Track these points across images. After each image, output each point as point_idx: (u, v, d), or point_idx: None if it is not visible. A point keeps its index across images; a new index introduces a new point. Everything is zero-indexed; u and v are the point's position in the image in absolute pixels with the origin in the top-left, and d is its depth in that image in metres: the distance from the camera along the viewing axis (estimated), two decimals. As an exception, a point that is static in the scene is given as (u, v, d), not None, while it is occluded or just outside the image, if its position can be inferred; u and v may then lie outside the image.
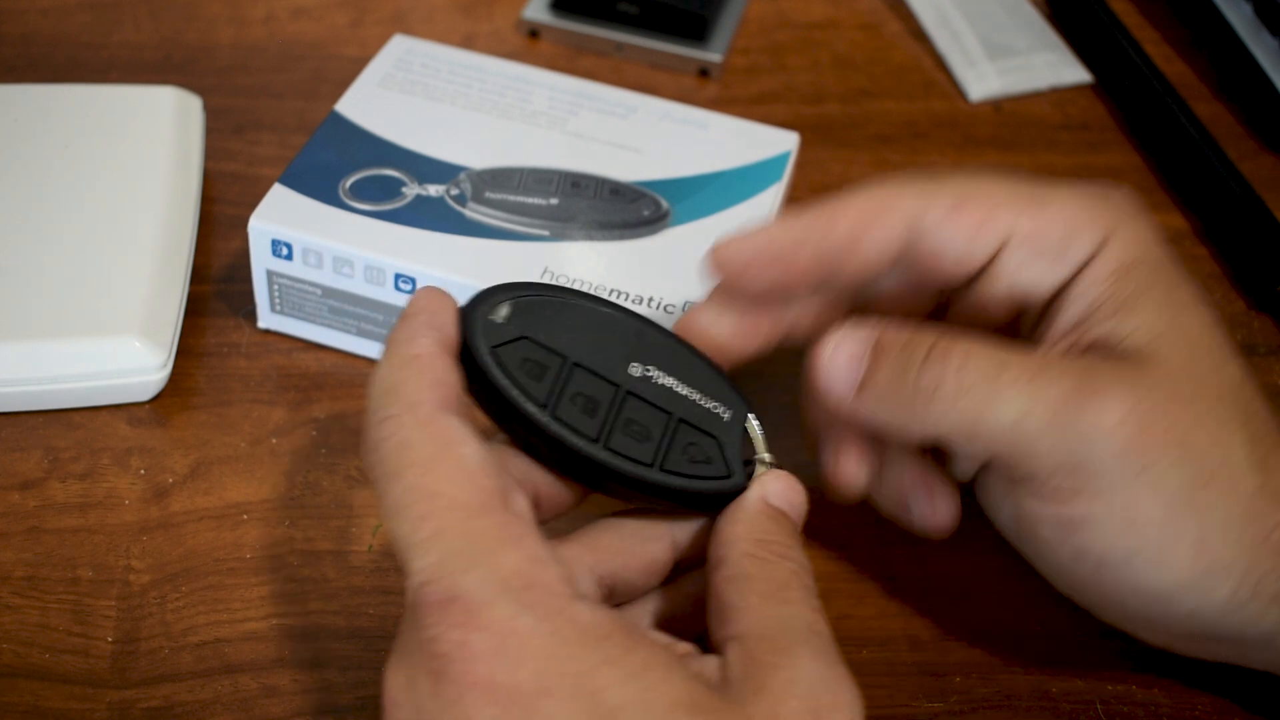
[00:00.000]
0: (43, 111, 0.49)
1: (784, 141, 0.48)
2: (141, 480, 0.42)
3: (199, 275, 0.48)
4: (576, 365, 0.33)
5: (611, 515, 0.35)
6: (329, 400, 0.45)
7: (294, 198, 0.44)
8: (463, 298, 0.34)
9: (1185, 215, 0.55)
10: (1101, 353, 0.34)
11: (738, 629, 0.30)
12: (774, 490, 0.34)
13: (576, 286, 0.42)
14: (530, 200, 0.45)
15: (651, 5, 0.59)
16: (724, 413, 0.34)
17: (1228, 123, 0.59)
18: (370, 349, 0.46)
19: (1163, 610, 0.34)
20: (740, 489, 0.33)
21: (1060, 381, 0.33)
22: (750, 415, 0.35)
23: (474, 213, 0.44)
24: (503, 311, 0.33)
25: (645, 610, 0.35)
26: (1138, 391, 0.32)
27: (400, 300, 0.44)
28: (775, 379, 0.47)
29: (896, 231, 0.35)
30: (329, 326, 0.46)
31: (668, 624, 0.35)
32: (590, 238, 0.44)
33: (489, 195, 0.45)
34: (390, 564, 0.41)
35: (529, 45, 0.60)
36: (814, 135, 0.55)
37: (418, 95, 0.49)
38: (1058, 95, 0.60)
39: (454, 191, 0.45)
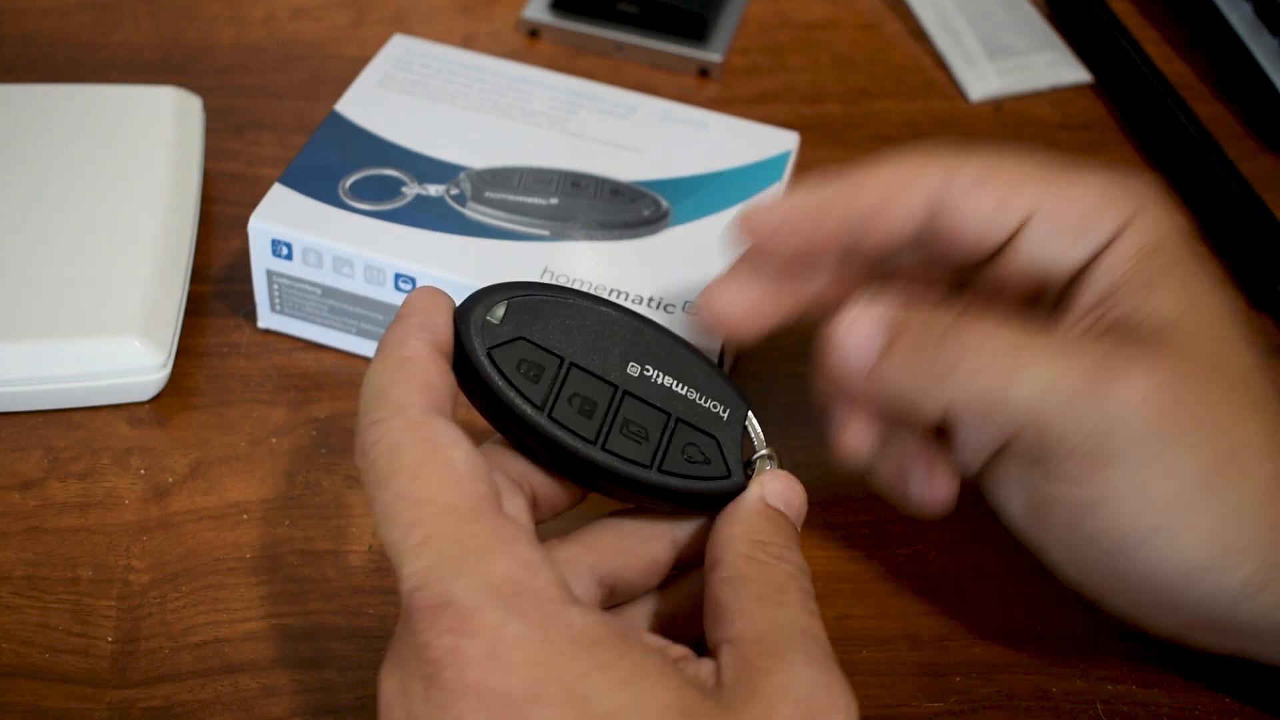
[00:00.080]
0: (43, 111, 0.49)
1: (784, 141, 0.48)
2: (141, 480, 0.42)
3: (199, 275, 0.48)
4: (574, 366, 0.33)
5: (612, 515, 0.34)
6: (329, 400, 0.45)
7: (294, 198, 0.44)
8: (462, 298, 0.34)
9: (1185, 215, 0.55)
10: (1122, 333, 0.34)
11: (732, 632, 0.30)
12: (772, 490, 0.34)
13: (576, 286, 0.42)
14: (530, 200, 0.45)
15: (651, 5, 0.59)
16: (723, 412, 0.34)
17: (1228, 123, 0.59)
18: (370, 349, 0.46)
19: (1176, 596, 0.33)
20: (739, 489, 0.33)
21: (1085, 357, 0.32)
22: (749, 413, 0.35)
23: (474, 212, 0.44)
24: (498, 312, 0.33)
25: (645, 610, 0.35)
26: (1162, 370, 0.32)
27: (400, 300, 0.44)
28: (775, 379, 0.47)
29: (920, 203, 0.35)
30: (329, 326, 0.46)
31: (669, 623, 0.35)
32: (590, 238, 0.44)
33: (489, 195, 0.45)
34: (390, 564, 0.40)
35: (529, 45, 0.60)
36: (814, 135, 0.55)
37: (418, 95, 0.49)
38: (1058, 95, 0.60)
39: (454, 191, 0.45)
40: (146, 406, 0.44)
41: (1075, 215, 0.35)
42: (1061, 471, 0.33)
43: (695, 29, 0.59)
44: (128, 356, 0.43)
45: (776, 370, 0.47)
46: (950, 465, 0.37)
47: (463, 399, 0.33)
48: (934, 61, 0.61)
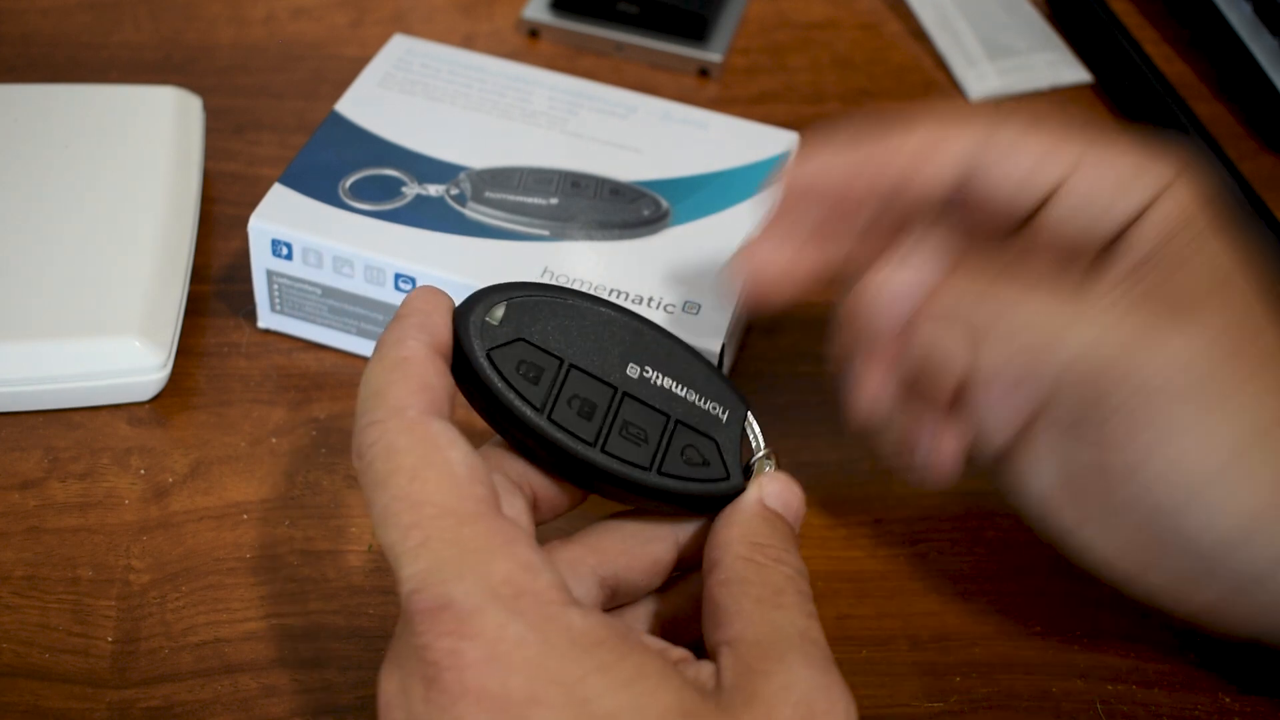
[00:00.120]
0: (43, 111, 0.49)
1: (784, 141, 0.48)
2: (141, 480, 0.42)
3: (199, 275, 0.48)
4: (573, 367, 0.33)
5: (613, 516, 0.34)
6: (329, 400, 0.45)
7: (294, 198, 0.44)
8: (462, 298, 0.34)
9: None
10: (1157, 301, 0.33)
11: (731, 634, 0.30)
12: (771, 492, 0.33)
13: (576, 286, 0.42)
14: (530, 200, 0.45)
15: (651, 5, 0.59)
16: (722, 413, 0.34)
17: (1228, 123, 0.59)
18: (370, 349, 0.46)
19: (1212, 566, 0.33)
20: (738, 491, 0.33)
21: (1132, 315, 0.32)
22: (749, 415, 0.35)
23: (474, 212, 0.44)
24: (498, 313, 0.33)
25: (646, 611, 0.35)
26: (1208, 333, 0.32)
27: (400, 300, 0.44)
28: (775, 379, 0.47)
29: (955, 162, 0.35)
30: (329, 326, 0.46)
31: (669, 625, 0.35)
32: (590, 238, 0.44)
33: (489, 195, 0.45)
34: (389, 564, 0.40)
35: (529, 45, 0.60)
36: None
37: (418, 95, 0.49)
38: (1058, 95, 0.60)
39: (454, 191, 0.45)
40: (146, 406, 0.44)
41: (1111, 181, 0.34)
42: (1101, 434, 0.32)
43: (695, 29, 0.59)
44: (128, 356, 0.43)
45: (776, 370, 0.47)
46: (961, 435, 0.36)
47: (461, 400, 0.33)
48: (934, 61, 0.61)
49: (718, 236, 0.45)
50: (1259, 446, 0.32)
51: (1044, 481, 0.35)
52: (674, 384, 0.34)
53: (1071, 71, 0.61)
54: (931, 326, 0.34)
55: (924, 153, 0.35)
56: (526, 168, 0.46)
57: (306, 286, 0.45)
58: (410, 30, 0.56)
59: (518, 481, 0.33)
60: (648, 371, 0.34)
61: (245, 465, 0.43)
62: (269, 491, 0.42)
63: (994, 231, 0.36)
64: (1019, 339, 0.33)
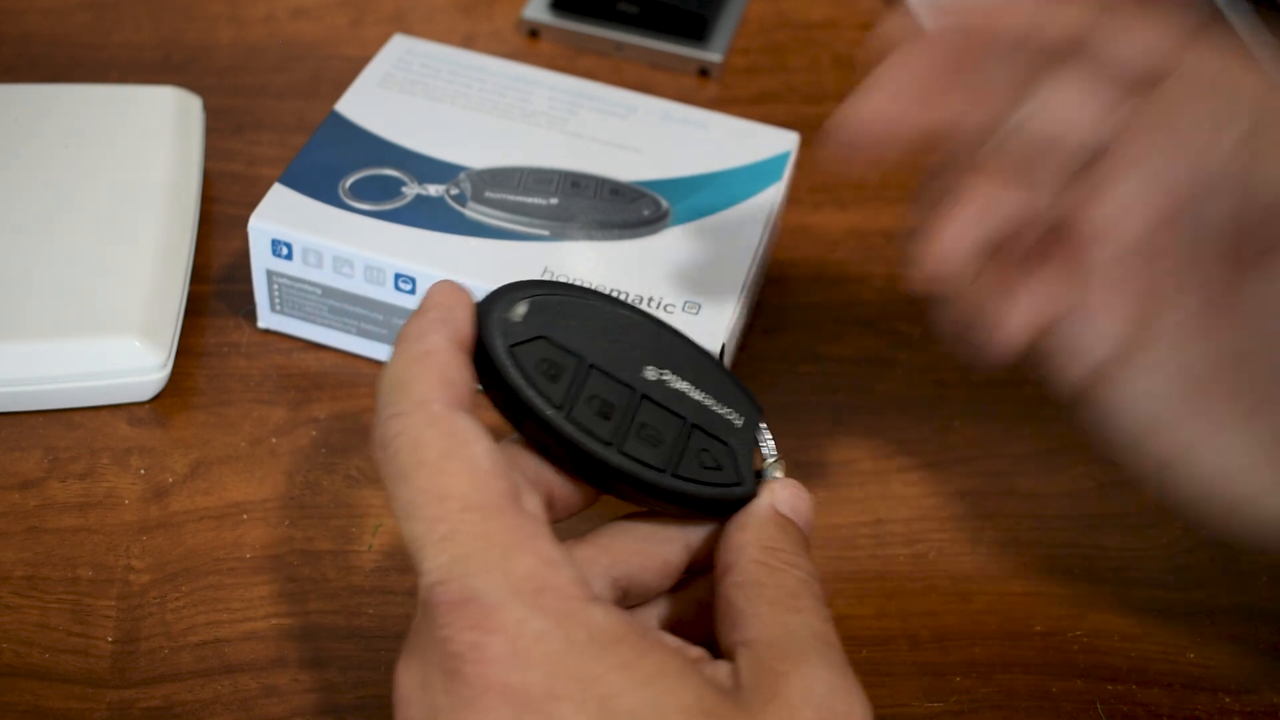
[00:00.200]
0: (43, 111, 0.49)
1: (784, 141, 0.48)
2: (141, 480, 0.42)
3: (199, 275, 0.48)
4: (593, 367, 0.33)
5: (625, 518, 0.35)
6: (329, 400, 0.45)
7: (294, 198, 0.44)
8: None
9: None
10: None
11: (748, 635, 0.30)
12: (782, 498, 0.34)
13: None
14: (530, 200, 0.45)
15: (651, 5, 0.59)
16: (736, 419, 0.34)
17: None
18: (370, 349, 0.46)
19: None
20: (750, 496, 0.33)
21: None
22: (762, 423, 0.35)
23: (474, 212, 0.44)
24: (520, 310, 0.33)
25: (651, 614, 0.35)
26: None
27: (400, 300, 0.44)
28: (776, 378, 0.47)
29: (1074, 25, 0.33)
30: (329, 326, 0.46)
31: (672, 629, 0.35)
32: (590, 237, 0.44)
33: (489, 195, 0.45)
34: (390, 564, 0.41)
35: (529, 45, 0.60)
36: (814, 135, 0.55)
37: (418, 95, 0.49)
38: (1058, 95, 0.60)
39: (454, 191, 0.45)
40: (146, 406, 0.44)
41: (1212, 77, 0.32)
42: None
43: (695, 29, 0.59)
44: (128, 356, 0.43)
45: (776, 370, 0.47)
46: (1042, 302, 0.34)
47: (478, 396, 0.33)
48: (934, 61, 0.61)
49: (718, 236, 0.45)
50: None
51: (1167, 382, 0.32)
52: (691, 388, 0.34)
53: (1071, 71, 0.61)
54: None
55: (1044, 13, 0.33)
56: (526, 168, 0.46)
57: (306, 286, 0.45)
58: (410, 30, 0.56)
59: (533, 479, 0.33)
60: (665, 374, 0.34)
61: (245, 465, 0.43)
62: (269, 491, 0.42)
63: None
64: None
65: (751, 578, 0.31)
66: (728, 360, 0.43)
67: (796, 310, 0.49)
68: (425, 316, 0.32)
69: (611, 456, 0.32)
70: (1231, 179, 0.31)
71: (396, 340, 0.31)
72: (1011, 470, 0.45)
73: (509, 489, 0.30)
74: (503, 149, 0.47)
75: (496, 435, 0.30)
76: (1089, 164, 0.33)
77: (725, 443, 0.34)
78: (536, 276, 0.43)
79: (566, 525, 0.33)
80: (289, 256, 0.44)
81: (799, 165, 0.49)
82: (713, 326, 0.42)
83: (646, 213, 0.45)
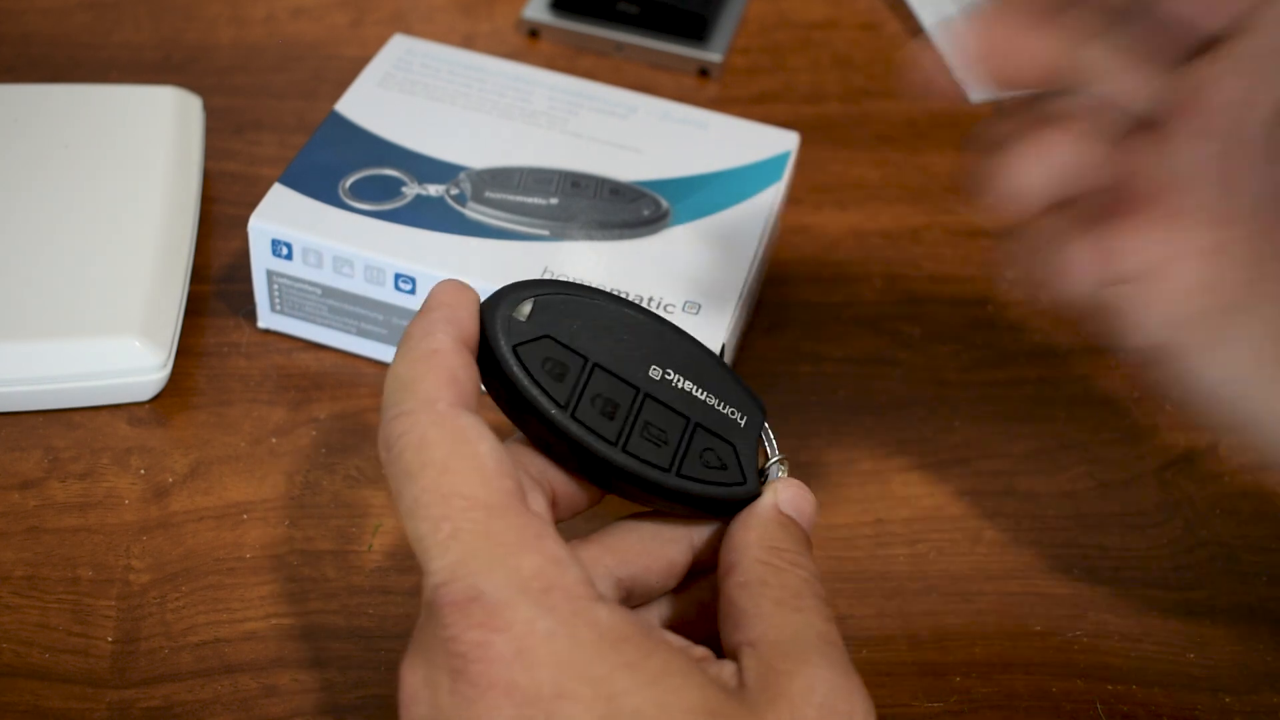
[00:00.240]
0: (43, 111, 0.49)
1: (784, 141, 0.48)
2: (141, 480, 0.42)
3: (199, 275, 0.48)
4: (597, 366, 0.33)
5: (630, 517, 0.35)
6: (329, 400, 0.45)
7: (294, 197, 0.44)
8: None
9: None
10: None
11: (752, 635, 0.30)
12: (786, 498, 0.34)
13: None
14: (530, 200, 0.45)
15: (651, 5, 0.59)
16: (740, 418, 0.34)
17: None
18: (370, 349, 0.46)
19: None
20: (753, 495, 0.33)
21: None
22: (765, 423, 0.35)
23: (474, 212, 0.44)
24: (525, 309, 0.33)
25: (655, 614, 0.35)
26: None
27: (400, 300, 0.44)
28: (776, 378, 0.47)
29: None
30: (329, 326, 0.46)
31: (676, 628, 0.35)
32: (590, 237, 0.44)
33: (489, 195, 0.45)
34: (390, 564, 0.41)
35: (529, 45, 0.60)
36: (814, 135, 0.55)
37: (418, 95, 0.49)
38: (1058, 95, 0.60)
39: (454, 191, 0.45)
40: (146, 406, 0.44)
41: None
42: None
43: (695, 29, 0.59)
44: (128, 356, 0.43)
45: (776, 370, 0.47)
46: (1109, 255, 0.32)
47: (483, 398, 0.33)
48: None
49: (718, 236, 0.45)
50: None
51: (1258, 343, 0.31)
52: (694, 387, 0.34)
53: (1071, 71, 0.61)
54: None
55: None
56: (526, 168, 0.46)
57: (306, 286, 0.45)
58: (410, 30, 0.56)
59: (538, 478, 0.33)
60: (669, 374, 0.34)
61: (245, 465, 0.43)
62: (269, 491, 0.42)
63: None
64: None
65: (755, 577, 0.31)
66: (728, 360, 0.43)
67: (796, 310, 0.49)
68: (430, 315, 0.32)
69: (615, 455, 0.32)
70: None
71: (401, 339, 0.31)
72: (1011, 470, 0.45)
73: (514, 488, 0.30)
74: (503, 149, 0.47)
75: (501, 434, 0.30)
76: (1159, 122, 0.31)
77: (729, 442, 0.34)
78: (537, 276, 0.43)
79: (571, 525, 0.33)
80: (289, 256, 0.44)
81: (799, 165, 0.49)
82: (713, 326, 0.42)
83: (646, 213, 0.45)
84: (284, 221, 0.44)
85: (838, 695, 0.29)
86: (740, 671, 0.30)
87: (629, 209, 0.45)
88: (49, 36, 0.58)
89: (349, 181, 0.45)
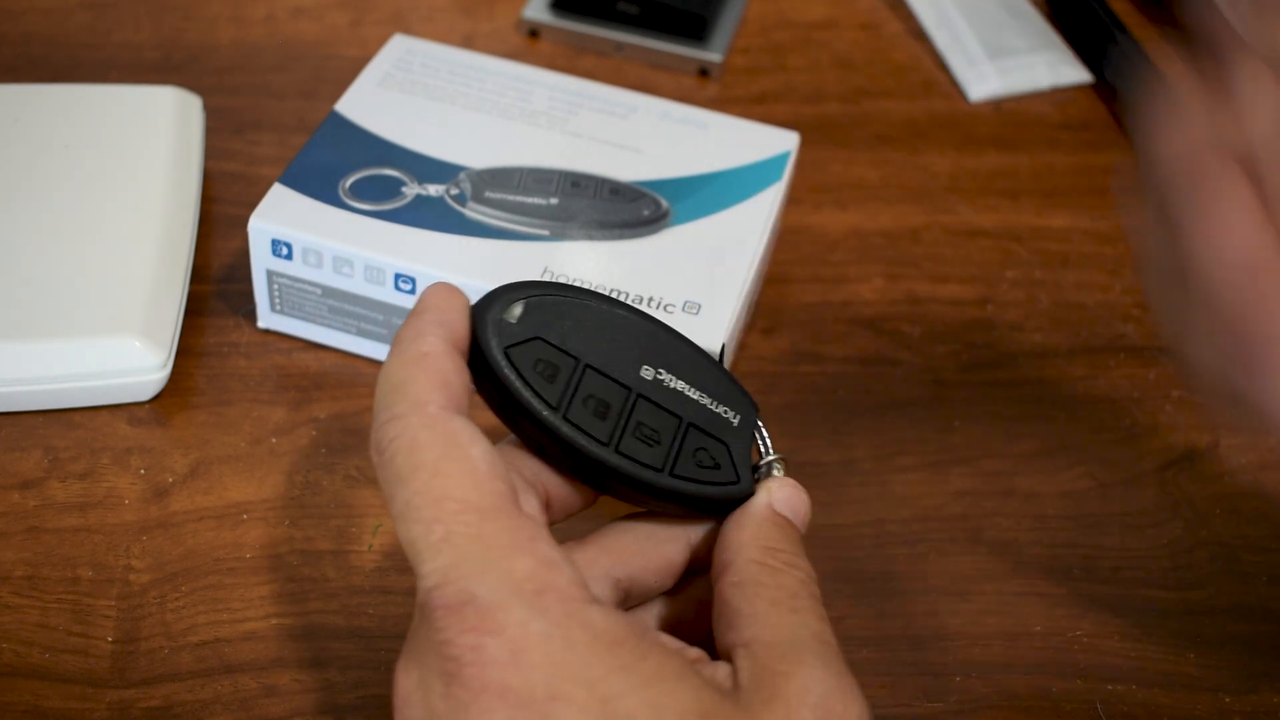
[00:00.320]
0: (43, 111, 0.49)
1: (784, 141, 0.48)
2: (141, 480, 0.42)
3: (199, 275, 0.48)
4: (589, 367, 0.33)
5: (626, 518, 0.35)
6: (329, 400, 0.45)
7: (294, 197, 0.44)
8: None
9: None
10: None
11: (746, 636, 0.30)
12: (780, 498, 0.34)
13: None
14: (530, 200, 0.45)
15: (651, 5, 0.59)
16: (733, 417, 0.34)
17: (1228, 123, 0.59)
18: (370, 349, 0.46)
19: None
20: (747, 494, 0.33)
21: None
22: (759, 421, 0.35)
23: (474, 212, 0.44)
24: (515, 311, 0.33)
25: (649, 614, 0.35)
26: None
27: (400, 300, 0.44)
28: (776, 378, 0.47)
29: None
30: (329, 326, 0.46)
31: (671, 629, 0.35)
32: (590, 237, 0.44)
33: (489, 195, 0.45)
34: (390, 564, 0.41)
35: (529, 45, 0.60)
36: (814, 135, 0.55)
37: (418, 95, 0.49)
38: (1058, 95, 0.60)
39: (454, 191, 0.45)
40: (146, 406, 0.44)
41: None
42: None
43: (695, 29, 0.59)
44: (128, 356, 0.43)
45: (776, 370, 0.47)
46: None
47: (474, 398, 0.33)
48: (934, 61, 0.61)
49: (718, 236, 0.45)
50: None
51: None
52: (687, 387, 0.34)
53: (1071, 71, 0.61)
54: None
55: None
56: (526, 168, 0.46)
57: (306, 286, 0.45)
58: (410, 30, 0.56)
59: (531, 481, 0.33)
60: (661, 374, 0.34)
61: (245, 465, 0.43)
62: (269, 491, 0.42)
63: None
64: None
65: (749, 577, 0.31)
66: (727, 360, 0.43)
67: (796, 310, 0.49)
68: (421, 318, 0.32)
69: (608, 456, 0.32)
70: None
71: (393, 343, 0.31)
72: (1011, 470, 0.45)
73: (507, 490, 0.29)
74: (503, 149, 0.47)
75: (493, 437, 0.30)
76: None
77: (722, 441, 0.34)
78: (535, 277, 0.43)
79: (566, 526, 0.33)
80: (289, 256, 0.44)
81: (799, 165, 0.49)
82: (713, 326, 0.42)
83: (646, 213, 0.45)
84: (284, 221, 0.44)
85: (833, 696, 0.29)
86: (735, 673, 0.29)
87: (629, 209, 0.45)
88: (49, 36, 0.58)
89: (349, 181, 0.45)
